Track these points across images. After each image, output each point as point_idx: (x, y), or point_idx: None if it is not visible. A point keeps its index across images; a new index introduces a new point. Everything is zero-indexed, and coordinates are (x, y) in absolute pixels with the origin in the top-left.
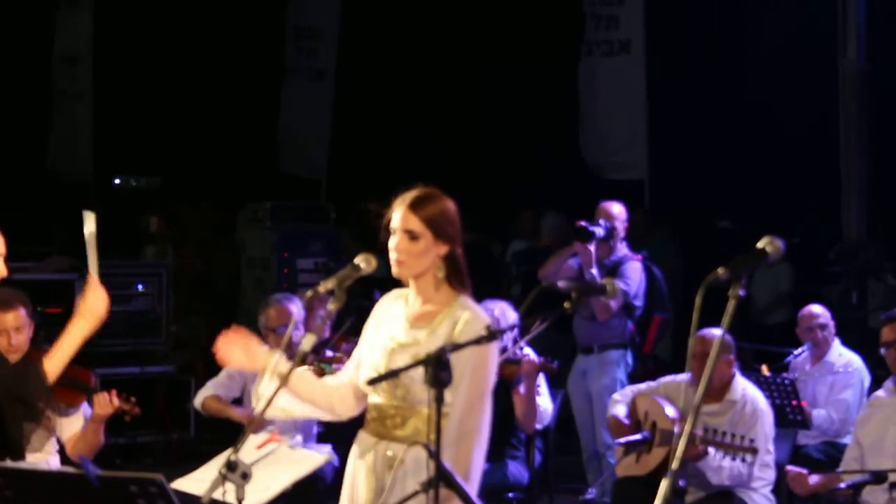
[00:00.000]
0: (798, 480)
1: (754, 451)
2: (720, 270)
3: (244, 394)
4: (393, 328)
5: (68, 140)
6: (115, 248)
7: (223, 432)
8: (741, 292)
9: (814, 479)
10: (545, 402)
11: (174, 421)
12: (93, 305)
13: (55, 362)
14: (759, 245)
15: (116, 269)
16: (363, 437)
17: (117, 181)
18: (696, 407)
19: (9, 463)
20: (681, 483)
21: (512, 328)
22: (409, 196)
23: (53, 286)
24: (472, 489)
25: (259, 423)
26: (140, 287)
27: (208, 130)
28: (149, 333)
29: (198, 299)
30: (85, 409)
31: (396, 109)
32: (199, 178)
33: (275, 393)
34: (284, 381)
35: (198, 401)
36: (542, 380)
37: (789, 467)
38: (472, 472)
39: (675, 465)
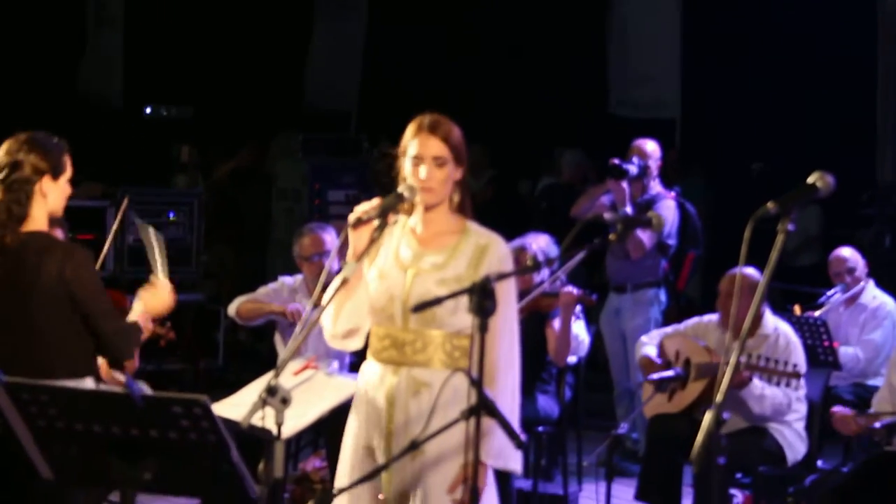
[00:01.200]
0: (844, 421)
1: (798, 376)
2: (770, 204)
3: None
4: (404, 255)
5: (100, 68)
6: (146, 177)
7: (251, 361)
8: (790, 227)
9: (861, 420)
10: (581, 331)
11: (202, 350)
12: (154, 305)
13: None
14: (809, 180)
15: (148, 198)
16: (373, 367)
17: (148, 110)
18: (743, 337)
19: (53, 382)
20: (724, 416)
21: (554, 260)
22: (426, 122)
23: (85, 213)
24: (515, 410)
25: (295, 351)
26: (171, 215)
27: (240, 61)
28: (179, 262)
29: (227, 229)
30: None
31: (426, 43)
32: (230, 108)
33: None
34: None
35: (232, 308)
36: (579, 310)
37: (835, 408)
38: (507, 400)
39: (719, 397)
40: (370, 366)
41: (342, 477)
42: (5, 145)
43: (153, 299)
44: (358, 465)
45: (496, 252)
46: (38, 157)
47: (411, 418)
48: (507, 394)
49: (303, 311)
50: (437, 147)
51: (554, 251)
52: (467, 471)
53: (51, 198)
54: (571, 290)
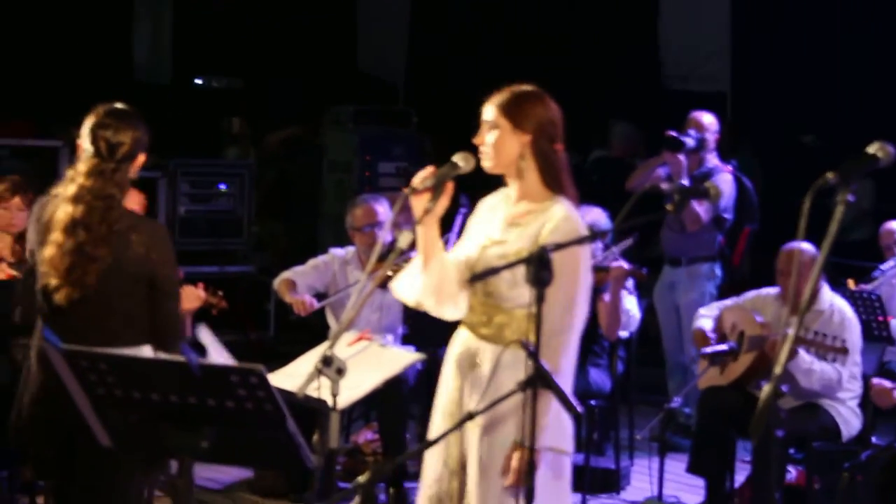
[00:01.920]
0: (882, 394)
1: (845, 351)
2: (829, 175)
3: (330, 287)
4: (491, 226)
5: (150, 40)
6: (197, 149)
7: (302, 332)
8: (850, 198)
9: None
10: (633, 307)
11: (253, 321)
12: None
13: None
14: (870, 150)
15: (199, 169)
16: (457, 335)
17: (199, 81)
18: (803, 311)
19: (112, 350)
20: (784, 388)
21: (606, 233)
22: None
23: (137, 183)
24: (568, 386)
25: (350, 322)
26: (222, 187)
27: (289, 32)
28: (230, 233)
29: (278, 201)
30: None
31: (473, 15)
32: (280, 79)
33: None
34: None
35: (276, 280)
36: (630, 285)
37: (875, 380)
38: (561, 371)
39: (778, 368)
40: (458, 332)
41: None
42: (93, 123)
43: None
44: (435, 430)
45: (563, 224)
46: (137, 132)
47: (468, 389)
48: (557, 365)
49: (315, 305)
50: (488, 111)
51: (606, 224)
52: (522, 448)
53: (135, 172)
54: (622, 263)
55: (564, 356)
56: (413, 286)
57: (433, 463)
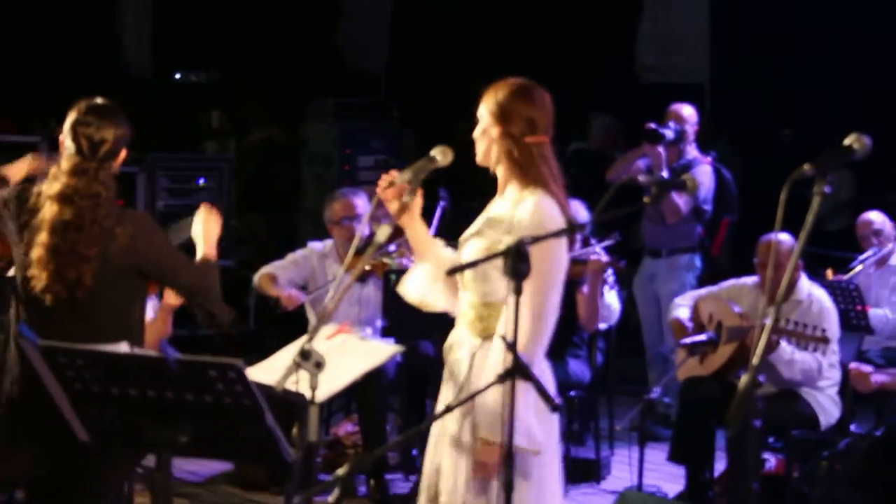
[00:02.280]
0: (860, 378)
1: (826, 341)
2: (806, 166)
3: (309, 281)
4: (477, 221)
5: (129, 34)
6: (176, 143)
7: (282, 326)
8: (827, 189)
9: (877, 377)
10: (613, 300)
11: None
12: (211, 231)
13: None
14: (846, 141)
15: (178, 164)
16: (453, 333)
17: (178, 76)
18: (779, 301)
19: (89, 346)
20: (760, 378)
21: (584, 226)
22: None
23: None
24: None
25: (329, 314)
26: (201, 181)
27: (268, 25)
28: None
29: (258, 195)
30: (153, 299)
31: (457, 7)
32: (260, 73)
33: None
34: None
35: (256, 276)
36: (611, 278)
37: (852, 364)
38: (535, 360)
39: (755, 360)
40: (453, 331)
41: None
42: (74, 119)
43: (210, 225)
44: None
45: (530, 213)
46: (119, 128)
47: (448, 377)
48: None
49: (302, 298)
50: (479, 108)
51: (584, 216)
52: (488, 443)
53: (117, 167)
54: (600, 256)
55: (534, 345)
56: (418, 284)
57: (427, 455)
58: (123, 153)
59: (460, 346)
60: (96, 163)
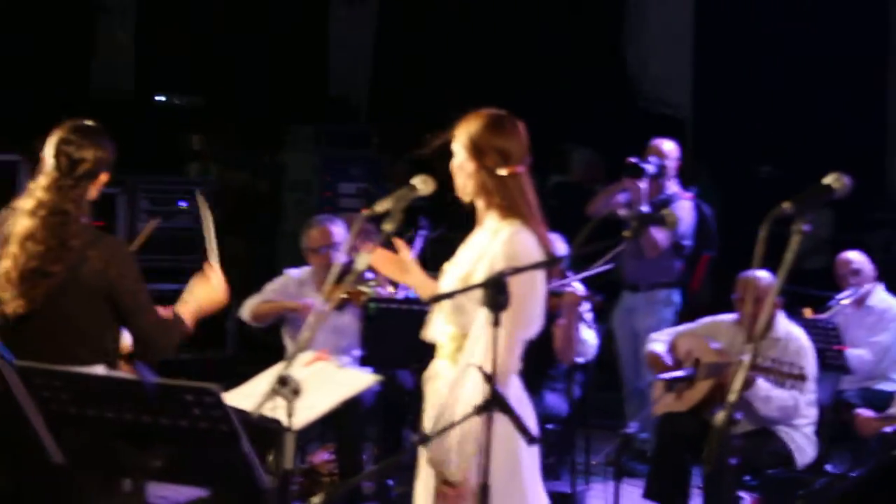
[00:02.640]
0: (867, 423)
1: (803, 378)
2: (785, 204)
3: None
4: (459, 251)
5: (111, 57)
6: (157, 165)
7: (260, 353)
8: (805, 227)
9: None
10: (590, 336)
11: (211, 340)
12: (207, 299)
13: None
14: (826, 180)
15: (159, 186)
16: (433, 364)
17: (160, 98)
18: (758, 338)
19: (66, 367)
20: (737, 415)
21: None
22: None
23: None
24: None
25: (307, 341)
26: (182, 204)
27: (251, 50)
28: (189, 251)
29: (238, 219)
30: None
31: (436, 36)
32: (241, 98)
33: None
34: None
35: (245, 312)
36: (589, 316)
37: (860, 411)
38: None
39: (732, 397)
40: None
41: None
42: (58, 137)
43: (206, 292)
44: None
45: (497, 245)
46: (100, 150)
47: (428, 408)
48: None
49: (317, 305)
50: (454, 141)
51: (562, 250)
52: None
53: (96, 190)
54: (574, 290)
55: (505, 376)
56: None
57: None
58: (104, 176)
59: (439, 377)
60: (72, 181)
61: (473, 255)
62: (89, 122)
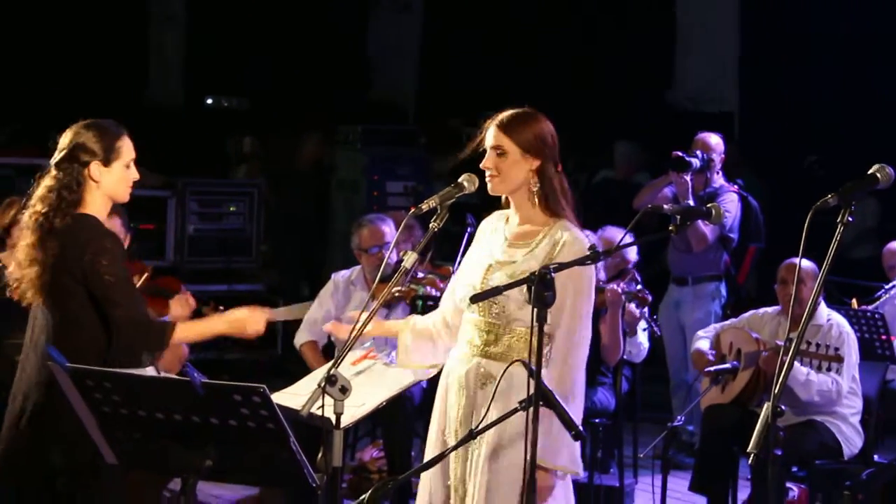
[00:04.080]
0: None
1: (839, 359)
2: (830, 196)
3: (339, 310)
4: (493, 247)
5: (161, 61)
6: (207, 168)
7: None
8: (849, 218)
9: None
10: (644, 338)
11: (261, 339)
12: (240, 323)
13: (183, 333)
14: (870, 171)
15: (207, 189)
16: (455, 354)
17: (209, 101)
18: (804, 324)
19: (116, 369)
20: (782, 406)
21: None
22: (498, 115)
23: (147, 202)
24: (580, 406)
25: (355, 340)
26: (231, 206)
27: (300, 53)
28: (239, 252)
29: (286, 219)
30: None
31: (482, 36)
32: (290, 99)
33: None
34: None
35: (297, 341)
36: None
37: None
38: (577, 390)
39: (777, 388)
40: (453, 354)
41: (425, 459)
42: (68, 130)
43: (242, 318)
44: (432, 450)
45: (570, 249)
46: (90, 141)
47: (477, 408)
48: (567, 386)
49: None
50: (497, 137)
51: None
52: (544, 469)
53: (104, 183)
54: (616, 286)
55: (578, 375)
56: (424, 356)
57: (434, 483)
58: (95, 165)
59: (491, 371)
60: (52, 167)
61: (534, 253)
62: (108, 120)
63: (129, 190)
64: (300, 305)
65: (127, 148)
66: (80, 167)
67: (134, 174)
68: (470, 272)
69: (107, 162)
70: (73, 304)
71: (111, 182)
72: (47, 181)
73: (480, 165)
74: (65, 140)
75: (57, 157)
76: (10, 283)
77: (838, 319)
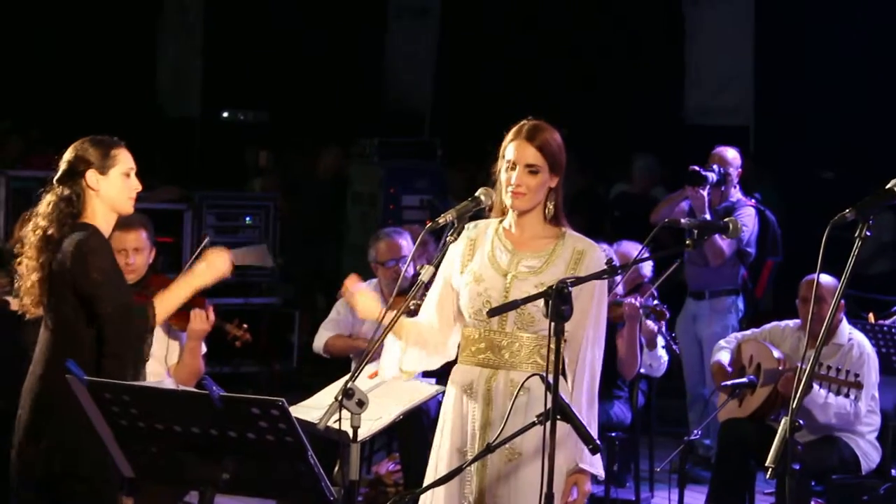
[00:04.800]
0: None
1: (859, 386)
2: (847, 211)
3: (355, 323)
4: (500, 259)
5: (178, 74)
6: (223, 181)
7: (325, 365)
8: (867, 233)
9: None
10: (663, 352)
11: (277, 352)
12: (205, 275)
13: (163, 306)
14: (888, 185)
15: (225, 202)
16: (468, 370)
17: (225, 114)
18: (820, 344)
19: (134, 382)
20: (800, 422)
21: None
22: (524, 128)
23: (163, 215)
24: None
25: (372, 353)
26: (247, 219)
27: (316, 66)
28: (255, 265)
29: (302, 232)
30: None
31: (498, 48)
32: (306, 112)
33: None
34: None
35: (318, 344)
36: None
37: None
38: (595, 402)
39: (795, 403)
40: (465, 368)
41: (430, 477)
42: (69, 147)
43: (205, 267)
44: (445, 466)
45: (593, 257)
46: (83, 152)
47: (505, 415)
48: (584, 399)
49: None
50: (531, 155)
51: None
52: (582, 473)
53: (103, 191)
54: (633, 300)
55: (595, 387)
56: (394, 361)
57: (448, 497)
58: (91, 174)
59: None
60: (54, 183)
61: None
62: (82, 139)
63: (131, 201)
64: (256, 247)
65: (124, 156)
66: (79, 178)
67: (135, 184)
68: (483, 283)
69: (103, 170)
70: (70, 316)
71: (110, 191)
72: (49, 196)
73: (512, 181)
74: (66, 156)
75: (58, 173)
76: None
77: (859, 339)
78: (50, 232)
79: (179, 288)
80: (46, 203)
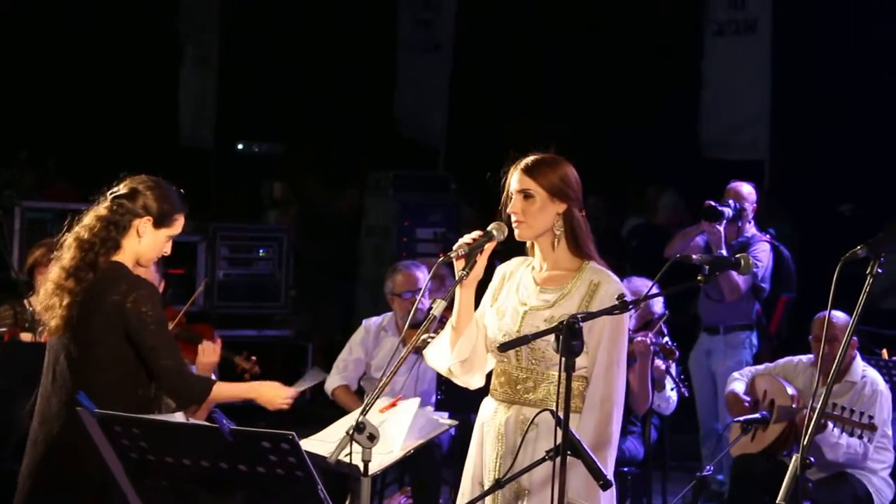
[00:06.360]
0: None
1: (873, 428)
2: (858, 248)
3: (370, 356)
4: (522, 293)
5: (191, 105)
6: (237, 213)
7: None
8: (879, 270)
9: None
10: (672, 393)
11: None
12: (265, 395)
13: (219, 392)
14: None
15: (238, 233)
16: (488, 403)
17: (240, 146)
18: (831, 382)
19: (144, 415)
20: (811, 459)
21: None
22: (524, 159)
23: (177, 246)
24: (614, 453)
25: (384, 386)
26: (261, 251)
27: (330, 99)
28: (268, 297)
29: (316, 264)
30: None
31: (516, 79)
32: (320, 145)
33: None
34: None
35: (328, 387)
36: (672, 368)
37: None
38: (613, 436)
39: (805, 440)
40: (487, 402)
41: None
42: (141, 176)
43: (271, 393)
44: (469, 497)
45: (607, 290)
46: (152, 199)
47: (516, 451)
48: (610, 432)
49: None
50: (524, 181)
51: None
52: None
53: (144, 241)
54: (645, 338)
55: (616, 423)
56: (445, 354)
57: None
58: (142, 223)
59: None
60: (106, 198)
61: (573, 296)
62: (175, 187)
63: (155, 260)
64: (313, 371)
65: (179, 224)
66: (132, 217)
67: (168, 249)
68: (502, 320)
69: (158, 225)
70: (98, 347)
71: (150, 244)
72: (100, 210)
73: (508, 210)
74: (133, 183)
75: (119, 191)
76: (39, 325)
77: (873, 376)
78: (91, 253)
79: (241, 390)
80: (96, 216)
